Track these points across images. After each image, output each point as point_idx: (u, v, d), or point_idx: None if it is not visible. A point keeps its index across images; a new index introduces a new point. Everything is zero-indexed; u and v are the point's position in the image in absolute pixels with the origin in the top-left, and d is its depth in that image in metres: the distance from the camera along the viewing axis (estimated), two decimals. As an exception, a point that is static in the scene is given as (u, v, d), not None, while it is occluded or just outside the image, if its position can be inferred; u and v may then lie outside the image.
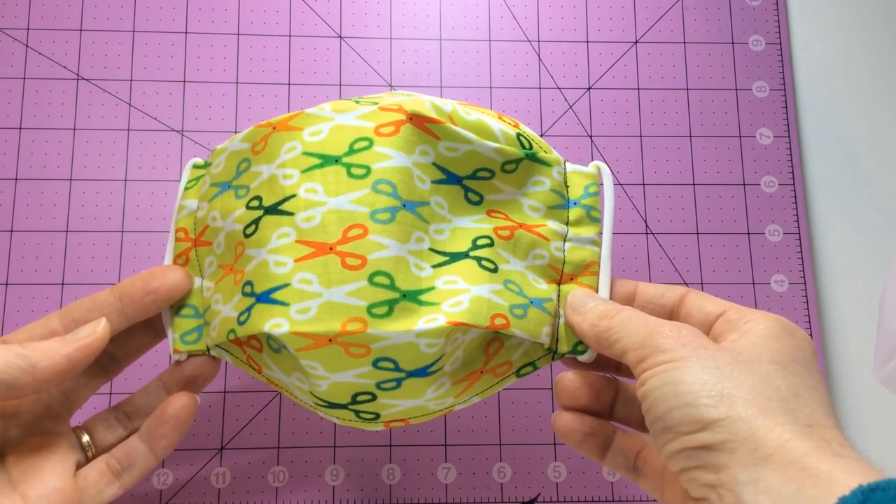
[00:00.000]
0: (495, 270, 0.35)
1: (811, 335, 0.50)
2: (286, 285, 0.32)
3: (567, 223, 0.38)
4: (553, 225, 0.37)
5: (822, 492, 0.23)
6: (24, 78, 0.50)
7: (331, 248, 0.32)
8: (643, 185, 0.52)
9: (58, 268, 0.48)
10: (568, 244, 0.37)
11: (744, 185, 0.52)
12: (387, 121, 0.35)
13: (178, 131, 0.51)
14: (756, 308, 0.50)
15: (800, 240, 0.52)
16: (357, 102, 0.36)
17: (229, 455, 0.46)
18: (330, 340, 0.32)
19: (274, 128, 0.36)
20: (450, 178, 0.36)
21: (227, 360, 0.37)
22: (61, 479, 0.34)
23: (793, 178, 0.53)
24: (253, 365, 0.36)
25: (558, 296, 0.36)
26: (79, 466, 0.35)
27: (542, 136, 0.52)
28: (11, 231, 0.48)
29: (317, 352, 0.32)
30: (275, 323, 0.32)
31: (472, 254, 0.35)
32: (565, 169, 0.39)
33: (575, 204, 0.38)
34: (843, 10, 0.57)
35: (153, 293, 0.35)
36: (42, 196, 0.49)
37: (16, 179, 0.49)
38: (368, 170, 0.33)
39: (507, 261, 0.35)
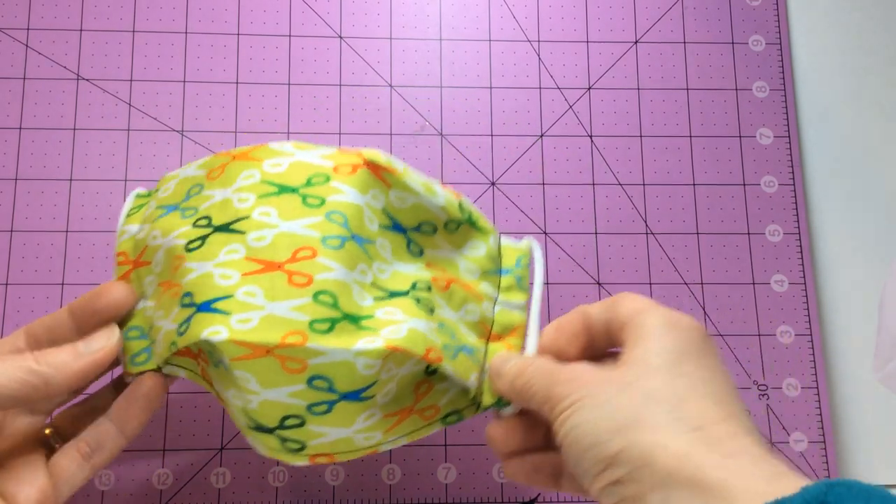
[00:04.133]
0: (431, 312, 0.36)
1: (811, 335, 0.50)
2: (229, 296, 0.32)
3: (498, 288, 0.40)
4: (486, 287, 0.39)
5: None
6: (24, 78, 0.50)
7: (279, 266, 0.33)
8: (643, 185, 0.52)
9: (58, 268, 0.48)
10: (498, 307, 0.39)
11: (744, 185, 0.52)
12: (345, 162, 0.37)
13: (178, 131, 0.50)
14: (756, 308, 0.50)
15: (800, 240, 0.52)
16: (317, 146, 0.38)
17: (229, 455, 0.46)
18: (268, 352, 0.32)
19: (234, 157, 0.37)
20: (395, 227, 0.37)
21: (182, 376, 0.36)
22: (40, 475, 0.34)
23: (793, 178, 0.53)
24: (206, 378, 0.36)
25: (486, 352, 0.38)
26: (47, 456, 0.35)
27: (541, 136, 0.52)
28: (11, 231, 0.48)
29: (253, 363, 0.32)
30: (213, 330, 0.32)
31: (410, 293, 0.36)
32: (500, 241, 0.40)
33: (507, 272, 0.40)
34: (843, 10, 0.57)
35: (98, 313, 0.35)
36: (42, 196, 0.49)
37: (16, 179, 0.49)
38: (323, 201, 0.35)
39: (442, 308, 0.37)
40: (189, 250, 0.34)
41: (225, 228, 0.34)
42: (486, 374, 0.36)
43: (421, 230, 0.38)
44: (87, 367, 0.32)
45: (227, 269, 0.33)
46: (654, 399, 0.27)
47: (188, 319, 0.33)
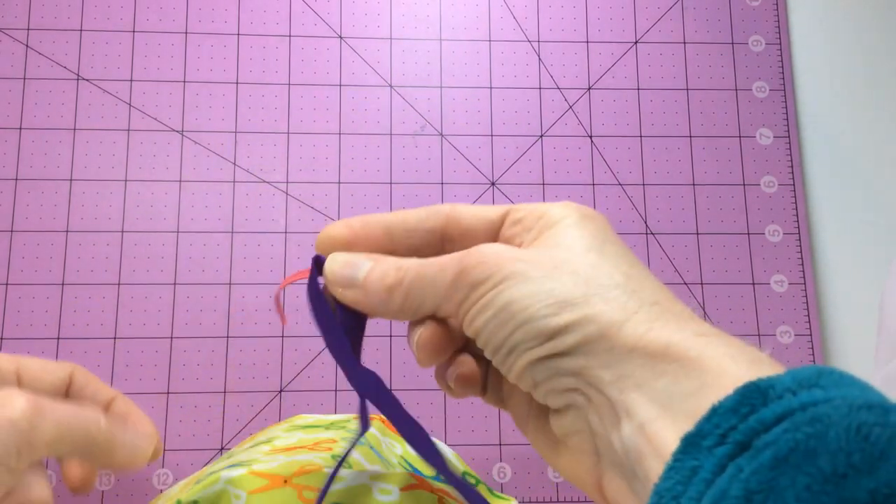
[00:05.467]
0: None
1: (811, 335, 0.50)
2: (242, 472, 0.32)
3: None
4: None
5: (697, 384, 0.21)
6: (25, 78, 0.50)
7: (285, 481, 0.32)
8: (643, 185, 0.52)
9: (58, 268, 0.48)
10: None
11: (744, 185, 0.52)
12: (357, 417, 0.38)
13: (178, 131, 0.50)
14: (756, 308, 0.51)
15: (800, 240, 0.52)
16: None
17: (229, 455, 0.46)
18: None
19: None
20: (414, 472, 0.37)
21: None
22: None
23: (793, 179, 0.53)
24: None
25: None
26: None
27: (541, 136, 0.52)
28: (11, 231, 0.48)
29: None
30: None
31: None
32: None
33: None
34: (843, 10, 0.57)
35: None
36: (42, 196, 0.49)
37: (16, 179, 0.49)
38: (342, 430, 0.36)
39: None
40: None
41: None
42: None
43: (440, 479, 0.38)
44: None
45: (234, 487, 0.32)
46: (599, 275, 0.24)
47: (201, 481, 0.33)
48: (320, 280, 0.29)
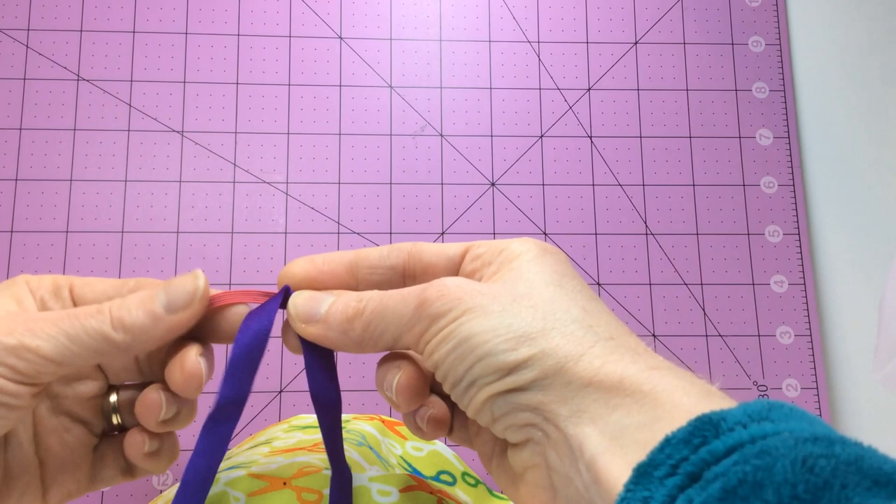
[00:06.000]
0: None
1: (811, 336, 0.50)
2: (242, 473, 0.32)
3: None
4: None
5: (650, 416, 0.22)
6: (25, 78, 0.50)
7: (284, 483, 0.32)
8: (643, 185, 0.52)
9: (58, 268, 0.48)
10: None
11: (743, 185, 0.52)
12: (361, 417, 0.39)
13: (178, 131, 0.50)
14: (756, 309, 0.51)
15: (799, 240, 0.52)
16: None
17: (229, 455, 0.46)
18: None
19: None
20: (414, 472, 0.37)
21: None
22: (83, 464, 0.31)
23: (792, 179, 0.53)
24: None
25: None
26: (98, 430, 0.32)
27: (541, 136, 0.52)
28: (12, 231, 0.48)
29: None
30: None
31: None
32: None
33: None
34: (843, 10, 0.57)
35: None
36: (42, 196, 0.49)
37: (16, 180, 0.49)
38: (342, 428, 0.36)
39: None
40: None
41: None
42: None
43: (440, 479, 0.39)
44: (168, 332, 0.28)
45: (233, 489, 0.32)
46: (557, 309, 0.25)
47: None
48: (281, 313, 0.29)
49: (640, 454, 0.21)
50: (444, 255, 0.29)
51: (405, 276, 0.30)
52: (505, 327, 0.25)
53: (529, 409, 0.24)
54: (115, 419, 0.31)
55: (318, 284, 0.30)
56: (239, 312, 0.29)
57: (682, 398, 0.22)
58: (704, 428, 0.20)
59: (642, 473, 0.20)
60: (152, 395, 0.29)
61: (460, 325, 0.25)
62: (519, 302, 0.25)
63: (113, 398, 0.31)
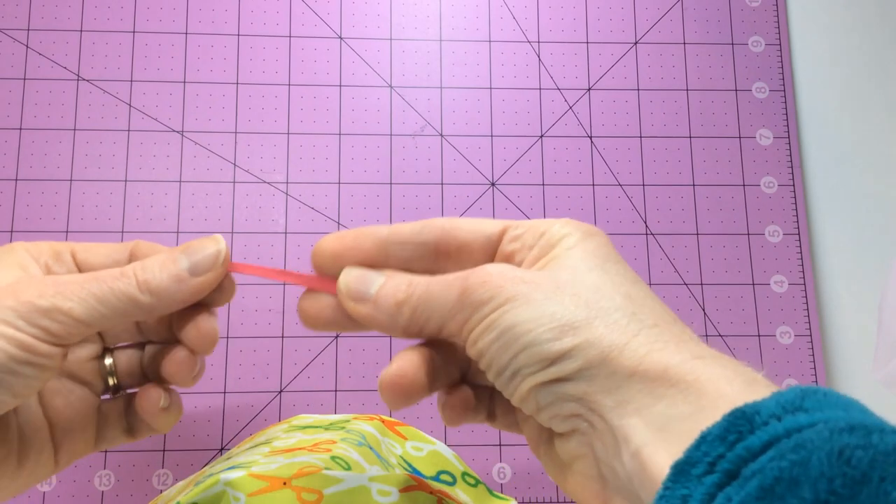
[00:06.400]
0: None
1: (811, 336, 0.50)
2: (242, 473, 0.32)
3: None
4: None
5: (694, 407, 0.21)
6: (25, 78, 0.50)
7: (284, 483, 0.32)
8: (643, 185, 0.52)
9: (58, 268, 0.48)
10: None
11: (743, 185, 0.52)
12: (361, 417, 0.39)
13: (178, 131, 0.50)
14: (756, 309, 0.51)
15: (799, 240, 0.52)
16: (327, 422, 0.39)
17: (229, 455, 0.46)
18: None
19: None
20: (414, 472, 0.37)
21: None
22: (90, 424, 0.32)
23: (792, 179, 0.53)
24: None
25: None
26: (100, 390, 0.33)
27: (541, 136, 0.52)
28: (12, 231, 0.48)
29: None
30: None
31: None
32: None
33: None
34: (843, 10, 0.57)
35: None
36: (42, 196, 0.49)
37: (16, 180, 0.49)
38: (344, 427, 0.36)
39: None
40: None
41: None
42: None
43: (440, 479, 0.39)
44: (192, 295, 0.29)
45: (233, 489, 0.32)
46: (600, 297, 0.25)
47: (200, 483, 0.32)
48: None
49: (684, 445, 0.20)
50: (481, 234, 0.29)
51: (438, 253, 0.29)
52: (548, 316, 0.24)
53: (574, 399, 0.24)
54: (112, 380, 0.32)
55: (345, 262, 0.29)
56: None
57: (725, 388, 0.21)
58: (739, 423, 0.20)
59: (680, 471, 0.20)
60: (181, 353, 0.31)
61: (504, 314, 0.25)
62: (562, 290, 0.25)
63: (108, 361, 0.32)
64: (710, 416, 0.21)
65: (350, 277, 0.29)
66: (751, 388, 0.22)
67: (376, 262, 0.29)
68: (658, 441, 0.21)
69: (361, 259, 0.29)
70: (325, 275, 0.30)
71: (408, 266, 0.29)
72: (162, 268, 0.29)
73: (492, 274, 0.26)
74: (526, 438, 0.29)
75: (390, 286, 0.28)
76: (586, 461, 0.24)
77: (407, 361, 0.28)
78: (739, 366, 0.23)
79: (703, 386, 0.22)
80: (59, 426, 0.31)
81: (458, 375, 0.31)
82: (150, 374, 0.33)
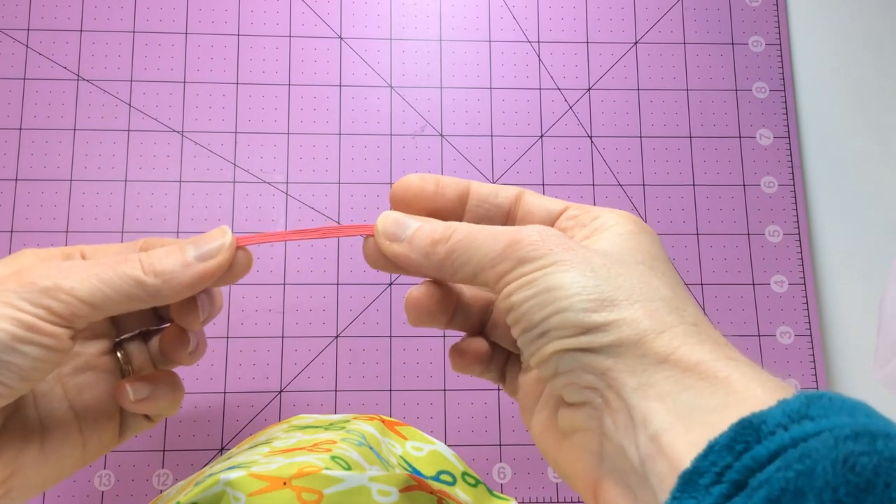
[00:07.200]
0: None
1: (811, 336, 0.50)
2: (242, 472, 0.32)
3: None
4: None
5: (721, 401, 0.21)
6: (25, 78, 0.50)
7: (284, 483, 0.32)
8: (643, 185, 0.52)
9: (58, 268, 0.48)
10: None
11: (744, 185, 0.52)
12: (361, 417, 0.39)
13: (178, 131, 0.50)
14: (756, 309, 0.51)
15: (800, 240, 0.52)
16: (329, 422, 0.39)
17: (229, 455, 0.46)
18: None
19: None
20: (414, 472, 0.37)
21: None
22: (114, 414, 0.33)
23: (792, 179, 0.53)
24: None
25: None
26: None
27: (541, 136, 0.52)
28: (12, 231, 0.48)
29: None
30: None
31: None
32: None
33: None
34: (843, 10, 0.57)
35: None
36: (42, 196, 0.49)
37: (16, 180, 0.49)
38: (344, 427, 0.36)
39: None
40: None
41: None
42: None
43: (440, 479, 0.39)
44: (198, 280, 0.29)
45: (233, 489, 0.32)
46: (646, 285, 0.25)
47: (200, 483, 0.32)
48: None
49: (706, 436, 0.20)
50: (545, 209, 0.30)
51: (509, 217, 0.31)
52: (592, 287, 0.24)
53: (595, 372, 0.24)
54: (129, 369, 0.34)
55: (426, 202, 0.30)
56: (246, 257, 0.31)
57: (756, 389, 0.21)
58: (746, 433, 0.20)
59: (687, 481, 0.20)
60: (171, 330, 0.33)
61: (547, 274, 0.25)
62: (610, 268, 0.25)
63: (119, 353, 0.34)
64: (736, 412, 0.21)
65: (388, 219, 0.30)
66: (781, 394, 0.21)
67: (453, 212, 0.31)
68: (680, 428, 0.21)
69: (441, 204, 0.30)
70: (347, 226, 0.31)
71: (479, 223, 0.30)
72: (168, 253, 0.29)
73: (545, 235, 0.26)
74: (519, 406, 0.30)
75: (427, 227, 0.29)
76: (589, 435, 0.24)
77: (434, 286, 0.30)
78: (771, 375, 0.23)
79: (733, 384, 0.22)
80: (88, 419, 0.32)
81: (479, 327, 0.31)
82: (158, 361, 0.35)
